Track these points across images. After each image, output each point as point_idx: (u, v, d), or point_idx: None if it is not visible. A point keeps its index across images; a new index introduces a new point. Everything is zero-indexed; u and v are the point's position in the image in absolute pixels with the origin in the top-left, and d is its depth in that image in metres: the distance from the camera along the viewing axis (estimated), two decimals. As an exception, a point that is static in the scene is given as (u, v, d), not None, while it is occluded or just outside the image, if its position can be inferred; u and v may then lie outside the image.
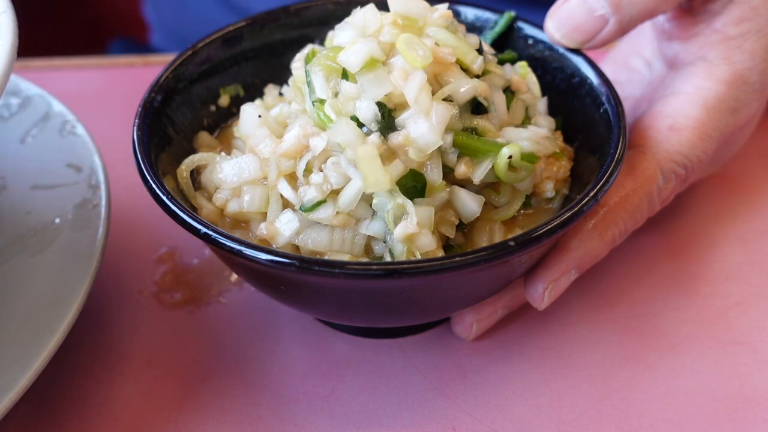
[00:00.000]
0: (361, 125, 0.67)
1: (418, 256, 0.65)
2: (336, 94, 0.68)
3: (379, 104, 0.66)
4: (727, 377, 0.74)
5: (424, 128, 0.65)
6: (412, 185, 0.66)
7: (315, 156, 0.67)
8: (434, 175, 0.67)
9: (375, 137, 0.65)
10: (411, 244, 0.65)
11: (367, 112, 0.66)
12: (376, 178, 0.64)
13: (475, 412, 0.72)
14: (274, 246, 0.68)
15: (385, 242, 0.67)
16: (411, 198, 0.65)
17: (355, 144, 0.65)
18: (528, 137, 0.70)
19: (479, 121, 0.69)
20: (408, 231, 0.64)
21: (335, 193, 0.67)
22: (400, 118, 0.67)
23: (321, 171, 0.67)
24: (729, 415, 0.71)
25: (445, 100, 0.67)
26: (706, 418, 0.71)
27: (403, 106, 0.67)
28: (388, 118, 0.66)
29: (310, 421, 0.71)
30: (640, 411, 0.72)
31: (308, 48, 0.75)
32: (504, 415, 0.71)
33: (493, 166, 0.68)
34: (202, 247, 0.85)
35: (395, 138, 0.66)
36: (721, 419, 0.71)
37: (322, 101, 0.69)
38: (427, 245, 0.65)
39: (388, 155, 0.66)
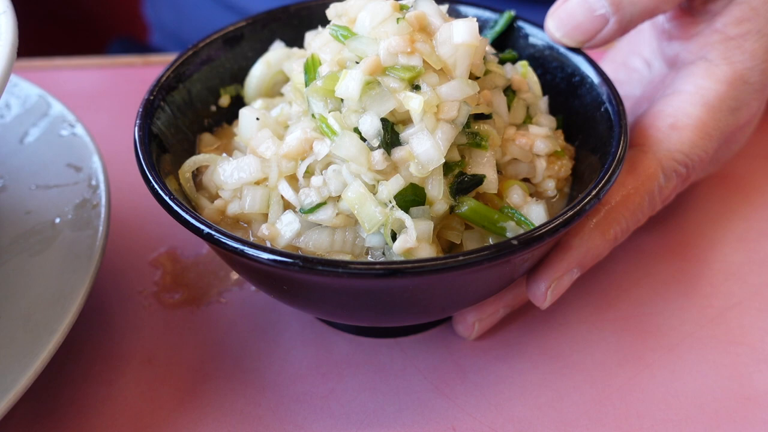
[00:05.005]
0: (364, 138, 0.66)
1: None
2: (338, 108, 0.68)
3: (383, 120, 0.66)
4: (727, 377, 0.74)
5: (427, 145, 0.65)
6: (412, 199, 0.66)
7: (317, 160, 0.67)
8: (435, 190, 0.66)
9: (378, 154, 0.65)
10: (410, 256, 0.65)
11: (371, 128, 0.66)
12: (371, 218, 0.64)
13: (475, 412, 0.72)
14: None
15: (384, 254, 0.67)
16: (411, 208, 0.65)
17: (357, 158, 0.65)
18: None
19: (481, 126, 0.69)
20: (407, 245, 0.64)
21: (334, 198, 0.67)
22: (404, 134, 0.66)
23: (321, 174, 0.67)
24: (729, 415, 0.71)
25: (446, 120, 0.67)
26: (706, 419, 0.71)
27: (407, 121, 0.67)
28: (391, 133, 0.66)
29: (310, 421, 0.71)
30: (640, 411, 0.72)
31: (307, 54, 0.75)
32: (504, 415, 0.71)
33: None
34: (202, 247, 0.85)
35: (398, 152, 0.66)
36: (721, 419, 0.71)
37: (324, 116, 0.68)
38: (427, 256, 0.65)
39: (390, 170, 0.66)
